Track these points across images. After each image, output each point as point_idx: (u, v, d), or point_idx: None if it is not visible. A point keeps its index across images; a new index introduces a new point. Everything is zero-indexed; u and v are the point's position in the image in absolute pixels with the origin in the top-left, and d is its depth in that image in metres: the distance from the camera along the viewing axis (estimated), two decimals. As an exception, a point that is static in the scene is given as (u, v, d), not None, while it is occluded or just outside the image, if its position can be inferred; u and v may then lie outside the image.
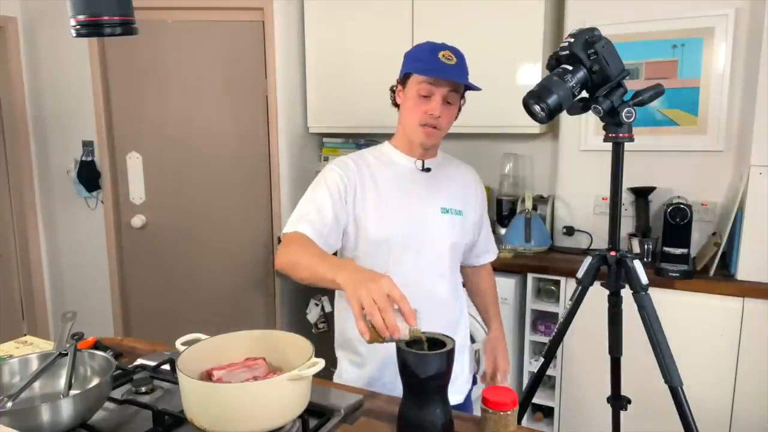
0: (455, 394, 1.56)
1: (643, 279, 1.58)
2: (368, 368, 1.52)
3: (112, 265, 3.18)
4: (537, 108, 1.50)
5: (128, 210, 3.14)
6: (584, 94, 1.54)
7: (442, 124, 1.47)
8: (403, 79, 1.51)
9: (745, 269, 2.21)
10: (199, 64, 3.00)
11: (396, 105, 1.55)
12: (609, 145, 1.59)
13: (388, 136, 3.40)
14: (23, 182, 3.28)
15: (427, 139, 1.47)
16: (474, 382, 1.70)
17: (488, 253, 1.73)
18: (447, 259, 1.53)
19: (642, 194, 2.52)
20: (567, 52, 1.51)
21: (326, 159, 3.26)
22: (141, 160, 3.08)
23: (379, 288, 1.03)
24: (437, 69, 1.42)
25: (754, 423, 2.18)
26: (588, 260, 1.68)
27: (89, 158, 3.11)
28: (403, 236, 1.47)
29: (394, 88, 1.55)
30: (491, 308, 1.75)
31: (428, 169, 1.54)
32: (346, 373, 1.55)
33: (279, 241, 1.54)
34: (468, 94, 1.54)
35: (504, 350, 1.69)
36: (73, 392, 1.12)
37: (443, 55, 1.43)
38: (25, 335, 1.64)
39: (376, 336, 1.03)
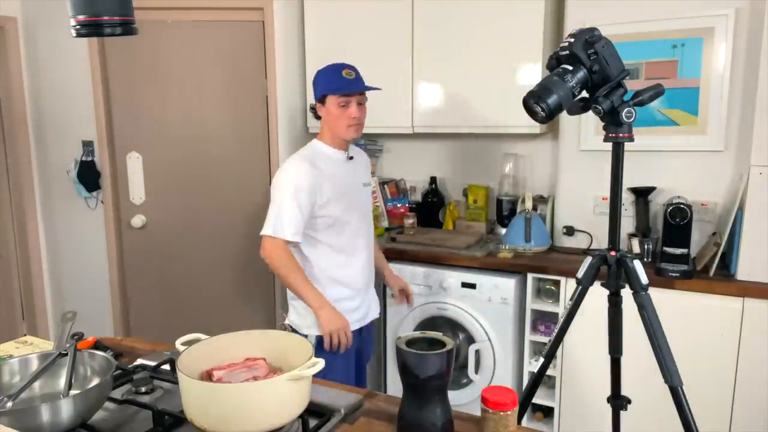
0: (373, 312, 2.20)
1: (643, 279, 1.58)
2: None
3: (112, 265, 3.18)
4: (537, 108, 1.50)
5: (128, 210, 3.14)
6: (584, 94, 1.55)
7: (362, 120, 2.01)
8: (323, 99, 1.98)
9: (745, 269, 2.21)
10: (199, 64, 3.00)
11: (318, 117, 2.04)
12: (609, 145, 1.59)
13: (387, 136, 3.40)
14: (23, 182, 3.28)
15: (355, 133, 2.00)
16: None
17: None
18: (370, 218, 2.18)
19: (642, 194, 2.52)
20: (567, 52, 1.51)
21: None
22: (141, 160, 3.08)
23: (341, 331, 1.94)
24: (348, 86, 1.94)
25: (754, 423, 2.18)
26: (588, 260, 1.68)
27: (89, 158, 3.11)
28: (352, 210, 2.04)
29: (314, 107, 2.03)
30: (381, 261, 2.35)
31: (351, 158, 2.08)
32: (300, 316, 2.05)
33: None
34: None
35: (400, 278, 2.37)
36: (73, 392, 1.12)
37: (345, 73, 1.95)
38: (25, 335, 1.65)
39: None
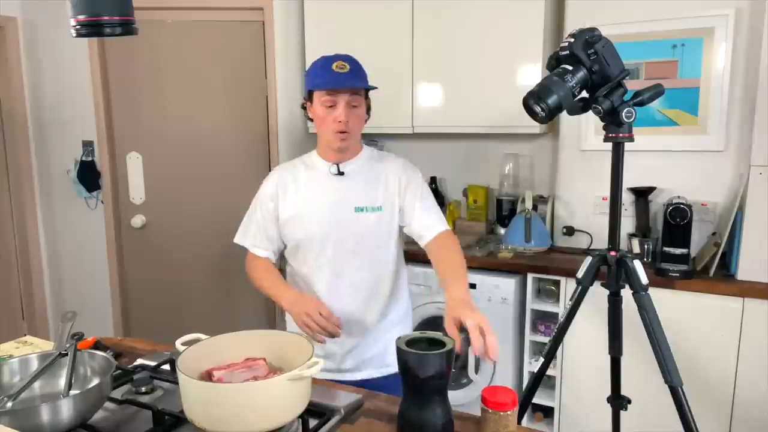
0: (374, 369, 1.71)
1: (643, 279, 1.58)
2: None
3: (112, 265, 3.18)
4: (537, 108, 1.50)
5: (128, 210, 3.14)
6: (584, 94, 1.54)
7: (352, 127, 1.60)
8: (309, 96, 1.63)
9: (745, 269, 2.21)
10: (199, 64, 3.00)
11: (310, 119, 1.67)
12: (609, 145, 1.59)
13: (387, 136, 3.40)
14: (23, 182, 3.28)
15: (342, 143, 1.61)
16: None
17: (431, 228, 1.65)
18: (365, 252, 1.66)
19: (642, 194, 2.52)
20: (567, 52, 1.51)
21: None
22: (141, 160, 3.08)
23: (311, 314, 1.48)
24: (333, 81, 1.56)
25: (754, 423, 2.18)
26: (588, 260, 1.68)
27: (89, 158, 3.11)
28: (318, 235, 1.64)
29: (305, 105, 1.67)
30: (449, 273, 1.51)
31: (342, 173, 1.66)
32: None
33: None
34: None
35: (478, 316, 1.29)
36: (73, 392, 1.12)
37: (336, 66, 1.57)
38: (25, 335, 1.64)
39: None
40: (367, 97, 1.65)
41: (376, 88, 1.65)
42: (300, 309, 1.51)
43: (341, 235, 1.64)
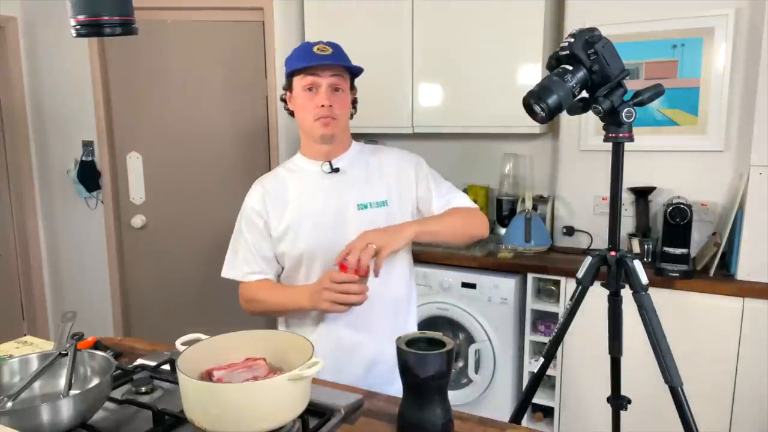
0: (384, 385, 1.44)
1: (643, 279, 1.58)
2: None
3: (112, 265, 3.18)
4: (537, 108, 1.50)
5: (128, 210, 3.14)
6: (584, 94, 1.54)
7: (337, 112, 1.46)
8: (289, 84, 1.51)
9: (745, 269, 2.21)
10: (199, 64, 3.00)
11: (291, 114, 1.55)
12: (609, 145, 1.59)
13: (387, 136, 3.39)
14: (23, 182, 3.28)
15: (326, 129, 1.46)
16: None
17: (449, 205, 1.54)
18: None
19: (642, 194, 2.52)
20: (567, 52, 1.51)
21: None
22: (141, 160, 3.08)
23: (327, 287, 1.33)
24: (314, 59, 1.44)
25: (754, 423, 2.18)
26: (588, 260, 1.67)
27: (89, 158, 3.11)
28: (321, 246, 1.46)
29: (284, 97, 1.55)
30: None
31: (337, 170, 1.51)
32: None
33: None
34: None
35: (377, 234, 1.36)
36: (73, 392, 1.12)
37: (318, 48, 1.46)
38: (25, 335, 1.64)
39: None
40: (353, 87, 1.54)
41: (361, 69, 1.52)
42: (319, 294, 1.35)
43: (349, 239, 1.39)
